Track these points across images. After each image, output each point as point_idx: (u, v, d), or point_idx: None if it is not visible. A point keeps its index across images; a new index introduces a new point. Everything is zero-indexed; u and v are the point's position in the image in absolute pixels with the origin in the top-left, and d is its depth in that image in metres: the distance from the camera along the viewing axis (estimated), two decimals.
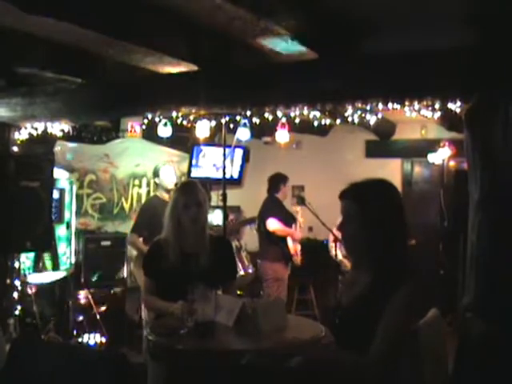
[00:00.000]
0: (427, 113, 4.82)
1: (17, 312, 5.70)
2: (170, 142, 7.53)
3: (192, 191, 3.74)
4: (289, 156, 8.56)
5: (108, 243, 6.86)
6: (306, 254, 7.25)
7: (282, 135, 6.50)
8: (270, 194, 6.88)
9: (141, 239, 5.79)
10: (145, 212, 5.94)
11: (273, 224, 6.69)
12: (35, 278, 6.12)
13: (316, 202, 6.77)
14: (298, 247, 6.86)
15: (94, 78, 5.37)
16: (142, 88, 5.17)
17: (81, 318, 6.34)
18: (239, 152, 8.03)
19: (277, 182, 6.85)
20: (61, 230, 6.88)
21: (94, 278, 6.58)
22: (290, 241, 6.74)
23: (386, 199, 2.40)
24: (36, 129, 5.87)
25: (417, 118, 5.83)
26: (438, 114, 4.77)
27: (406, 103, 4.49)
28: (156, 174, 6.01)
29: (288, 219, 6.81)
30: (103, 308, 6.50)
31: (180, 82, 5.02)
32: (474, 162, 4.03)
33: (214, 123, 6.06)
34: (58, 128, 5.87)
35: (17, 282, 5.84)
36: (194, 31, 4.45)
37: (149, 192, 7.78)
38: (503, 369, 2.89)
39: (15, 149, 5.90)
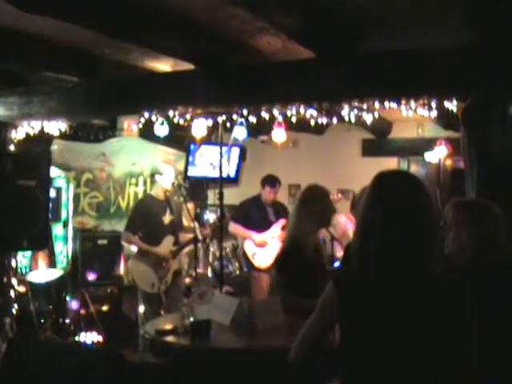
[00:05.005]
0: (423, 112, 4.82)
1: (13, 311, 5.70)
2: (166, 141, 7.52)
3: None
4: (285, 155, 8.56)
5: (105, 242, 6.87)
6: None
7: (279, 134, 6.49)
8: (258, 193, 6.86)
9: (136, 236, 5.81)
10: (139, 211, 5.95)
11: (230, 227, 6.77)
12: (32, 277, 6.12)
13: None
14: (259, 249, 6.62)
15: (90, 77, 5.37)
16: (139, 87, 5.17)
17: (77, 316, 6.35)
18: (236, 151, 8.03)
19: (261, 182, 6.82)
20: (58, 229, 6.89)
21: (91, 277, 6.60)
22: (248, 243, 6.65)
23: None
24: (33, 128, 5.87)
25: (413, 117, 5.84)
26: (434, 113, 4.77)
27: (403, 102, 4.49)
28: (157, 172, 6.01)
29: (257, 220, 6.70)
30: (100, 307, 6.51)
31: (177, 80, 5.02)
32: (471, 161, 4.04)
33: (210, 122, 6.06)
34: (54, 127, 5.87)
35: (13, 281, 5.84)
36: (191, 30, 4.45)
37: (145, 191, 7.78)
38: None
39: (12, 148, 5.90)
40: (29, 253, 6.29)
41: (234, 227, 6.71)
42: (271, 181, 6.71)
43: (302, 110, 5.05)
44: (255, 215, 6.73)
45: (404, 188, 2.06)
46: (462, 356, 1.98)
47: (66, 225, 6.95)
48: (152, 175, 6.12)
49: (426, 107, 4.63)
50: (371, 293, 2.00)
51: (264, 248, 6.60)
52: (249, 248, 6.63)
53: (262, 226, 6.67)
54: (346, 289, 2.04)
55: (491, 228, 2.62)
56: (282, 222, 6.67)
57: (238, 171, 8.23)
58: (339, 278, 2.09)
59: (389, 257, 2.00)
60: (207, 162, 7.84)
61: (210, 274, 7.26)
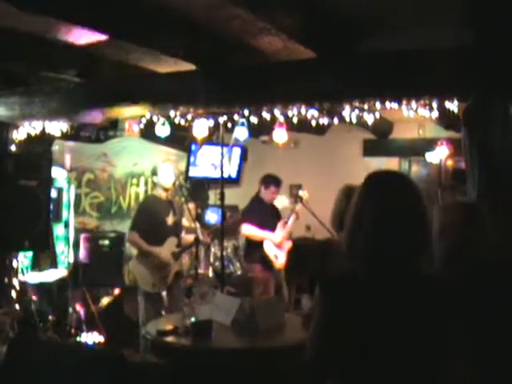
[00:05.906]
0: (425, 112, 4.82)
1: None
2: (168, 141, 7.52)
3: None
4: (286, 155, 8.56)
5: (106, 242, 6.87)
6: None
7: (280, 134, 6.49)
8: (256, 194, 6.85)
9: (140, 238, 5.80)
10: (143, 211, 5.93)
11: (246, 229, 6.67)
12: (33, 277, 6.12)
13: (313, 201, 6.78)
14: (278, 250, 6.66)
15: (91, 78, 5.37)
16: (140, 87, 5.17)
17: (79, 317, 6.34)
18: (237, 151, 8.04)
19: (260, 182, 6.80)
20: (59, 229, 6.89)
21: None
22: (268, 244, 6.62)
23: None
24: (34, 128, 5.88)
25: (414, 117, 5.83)
26: (435, 113, 4.77)
27: (404, 102, 4.49)
28: (154, 172, 6.01)
29: (267, 221, 6.69)
30: (101, 307, 6.50)
31: (178, 81, 5.02)
32: (472, 161, 4.04)
33: (211, 122, 6.06)
34: (56, 127, 5.87)
35: (15, 281, 5.84)
36: (191, 31, 4.46)
37: (146, 191, 7.78)
38: None
39: (13, 148, 5.91)
40: (30, 253, 6.29)
41: (250, 229, 6.65)
42: (276, 181, 6.74)
43: (303, 111, 5.05)
44: (264, 216, 6.73)
45: (396, 188, 2.04)
46: (459, 356, 1.98)
47: (67, 225, 6.95)
48: (152, 175, 6.11)
49: (427, 107, 4.63)
50: (361, 293, 1.98)
51: (281, 248, 6.64)
52: (269, 249, 6.61)
53: (273, 226, 6.69)
54: (334, 290, 2.01)
55: (483, 228, 2.62)
56: (282, 221, 6.72)
57: (239, 171, 8.24)
58: (325, 281, 2.06)
59: (379, 257, 1.98)
60: (208, 162, 7.84)
61: (211, 274, 7.26)
